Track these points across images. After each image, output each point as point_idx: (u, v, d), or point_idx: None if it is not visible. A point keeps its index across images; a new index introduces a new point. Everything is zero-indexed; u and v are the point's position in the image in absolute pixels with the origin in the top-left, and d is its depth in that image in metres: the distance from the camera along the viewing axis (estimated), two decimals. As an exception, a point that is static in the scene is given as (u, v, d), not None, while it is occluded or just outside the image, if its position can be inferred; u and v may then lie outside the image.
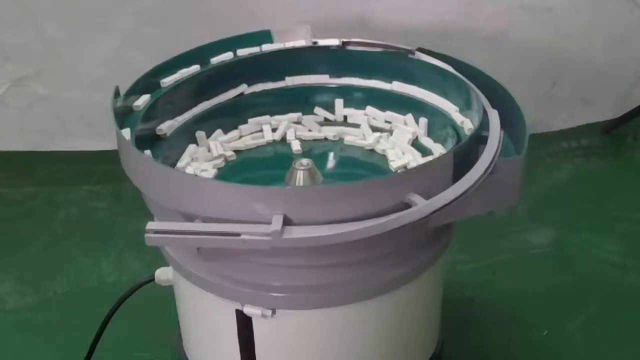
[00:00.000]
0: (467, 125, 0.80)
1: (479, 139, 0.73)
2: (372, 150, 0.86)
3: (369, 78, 0.91)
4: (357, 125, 0.89)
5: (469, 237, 1.17)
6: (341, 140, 0.88)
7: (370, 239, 0.64)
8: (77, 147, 1.46)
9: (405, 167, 0.81)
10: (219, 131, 0.88)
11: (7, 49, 1.36)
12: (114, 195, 1.36)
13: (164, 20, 1.33)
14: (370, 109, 0.90)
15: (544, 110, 1.48)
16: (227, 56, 0.90)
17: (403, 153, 0.84)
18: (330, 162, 0.86)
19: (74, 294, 1.15)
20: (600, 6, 1.39)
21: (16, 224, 1.31)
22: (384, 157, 0.85)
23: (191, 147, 0.84)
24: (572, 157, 1.46)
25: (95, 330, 0.92)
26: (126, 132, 0.75)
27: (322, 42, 0.91)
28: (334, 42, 0.91)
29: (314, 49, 0.91)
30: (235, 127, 0.89)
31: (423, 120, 0.86)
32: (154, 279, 0.86)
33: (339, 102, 0.91)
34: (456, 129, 0.82)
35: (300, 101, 0.91)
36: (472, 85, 0.81)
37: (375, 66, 0.90)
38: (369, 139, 0.86)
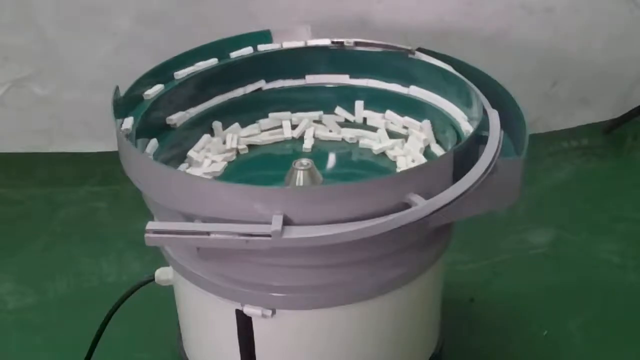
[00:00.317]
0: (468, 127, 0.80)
1: (479, 139, 0.73)
2: (384, 154, 0.85)
3: (389, 81, 0.90)
4: (374, 129, 0.89)
5: (469, 237, 1.17)
6: (357, 142, 0.87)
7: (370, 239, 0.64)
8: (77, 149, 1.46)
9: None
10: (236, 124, 0.88)
11: (7, 49, 1.36)
12: (114, 195, 1.36)
13: (163, 22, 1.33)
14: (389, 113, 0.89)
15: (544, 110, 1.48)
16: (247, 51, 0.90)
17: (413, 161, 0.83)
18: (335, 163, 0.86)
19: (74, 294, 1.15)
20: (600, 6, 1.39)
21: (16, 224, 1.31)
22: (387, 159, 0.85)
23: (205, 137, 0.85)
24: (572, 157, 1.46)
25: (95, 330, 0.92)
26: (129, 121, 0.76)
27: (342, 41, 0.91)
28: (349, 41, 0.91)
29: (334, 48, 0.91)
30: (255, 121, 0.89)
31: (427, 124, 0.85)
32: (154, 279, 0.86)
33: (359, 104, 0.90)
34: (456, 129, 0.82)
35: (321, 100, 0.91)
36: (472, 85, 0.81)
37: (394, 69, 0.89)
38: (384, 144, 0.85)
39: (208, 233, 0.64)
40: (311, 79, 0.92)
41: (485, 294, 1.13)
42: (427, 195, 0.65)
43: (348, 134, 0.88)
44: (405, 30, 1.34)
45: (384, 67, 0.90)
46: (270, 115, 0.90)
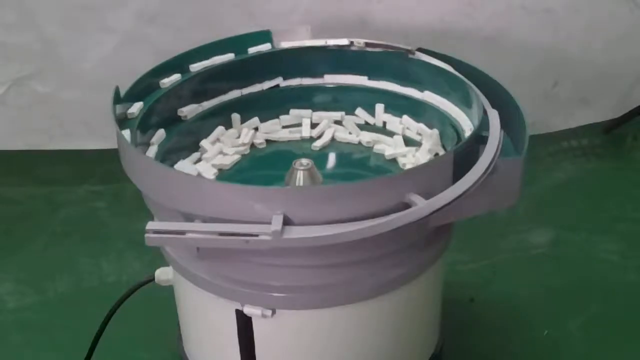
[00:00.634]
0: (467, 125, 0.80)
1: (479, 139, 0.73)
2: (395, 160, 0.85)
3: (405, 85, 0.89)
4: (392, 133, 0.88)
5: (469, 237, 1.17)
6: (372, 147, 0.87)
7: (370, 239, 0.64)
8: (78, 147, 1.46)
9: None
10: (255, 119, 0.89)
11: (8, 48, 1.36)
12: (114, 195, 1.36)
13: (163, 21, 1.33)
14: (406, 119, 0.88)
15: (544, 111, 1.48)
16: (265, 47, 0.91)
17: None
18: (340, 163, 0.86)
19: (74, 294, 1.14)
20: (600, 6, 1.39)
21: (16, 224, 1.31)
22: (382, 157, 0.85)
23: (219, 129, 0.86)
24: (572, 157, 1.46)
25: (95, 330, 0.92)
26: (137, 106, 0.77)
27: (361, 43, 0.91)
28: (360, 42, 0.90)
29: (355, 50, 0.91)
30: (276, 117, 0.90)
31: (435, 133, 0.85)
32: (154, 279, 0.86)
33: (379, 107, 0.89)
34: (457, 129, 0.82)
35: (340, 100, 0.91)
36: (472, 85, 0.81)
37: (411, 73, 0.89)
38: (397, 150, 0.84)
39: (208, 233, 0.64)
40: (330, 79, 0.92)
41: (485, 294, 1.13)
42: (427, 195, 0.65)
43: (366, 137, 0.87)
44: (406, 31, 1.34)
45: (399, 69, 0.90)
46: (292, 112, 0.91)
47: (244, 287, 0.72)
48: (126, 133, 0.75)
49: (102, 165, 1.41)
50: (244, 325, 0.75)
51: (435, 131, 0.84)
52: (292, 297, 0.72)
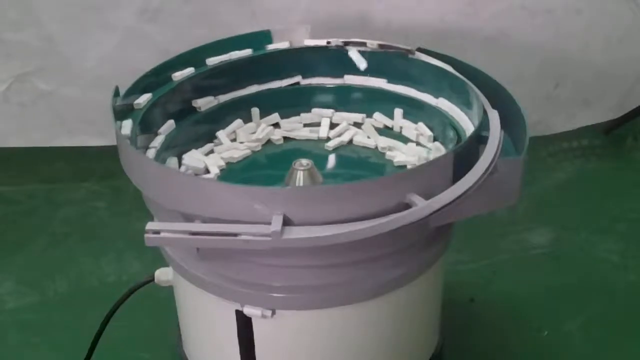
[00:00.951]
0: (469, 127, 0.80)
1: (479, 139, 0.73)
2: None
3: (423, 91, 0.88)
4: (407, 140, 0.87)
5: (469, 237, 1.17)
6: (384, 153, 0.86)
7: (370, 239, 0.64)
8: (79, 143, 1.47)
9: None
10: (276, 114, 0.90)
11: (9, 45, 1.37)
12: (114, 195, 1.36)
13: (164, 19, 1.33)
14: (421, 125, 0.86)
15: (545, 112, 1.48)
16: (283, 45, 0.91)
17: None
18: (343, 164, 0.85)
19: (74, 294, 1.14)
20: (601, 7, 1.39)
21: (16, 224, 1.31)
22: (378, 154, 0.85)
23: (237, 122, 0.87)
24: (572, 157, 1.46)
25: (95, 330, 0.92)
26: (145, 97, 0.79)
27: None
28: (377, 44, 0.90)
29: (378, 52, 0.90)
30: (297, 114, 0.90)
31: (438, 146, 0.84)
32: (153, 279, 0.86)
33: (398, 112, 0.89)
34: (457, 130, 0.82)
35: (359, 101, 0.91)
36: (473, 86, 0.81)
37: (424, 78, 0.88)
38: (408, 158, 0.83)
39: (208, 233, 0.64)
40: (349, 79, 0.91)
41: (485, 294, 1.13)
42: (427, 196, 0.65)
43: (382, 142, 0.86)
44: (406, 30, 1.34)
45: (397, 69, 0.89)
46: (314, 110, 0.91)
47: (244, 288, 0.72)
48: (127, 123, 0.76)
49: (104, 163, 1.41)
50: (244, 325, 0.75)
51: (437, 144, 0.84)
52: (292, 298, 0.72)
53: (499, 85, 0.81)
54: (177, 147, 0.83)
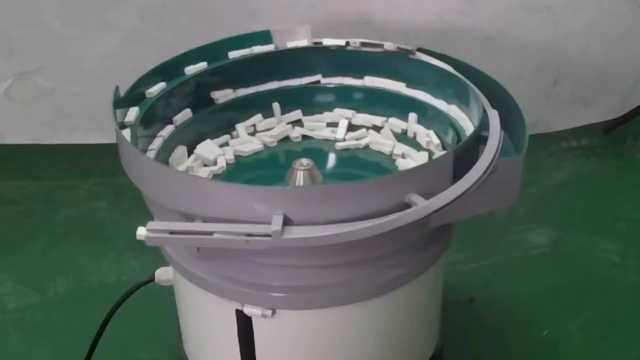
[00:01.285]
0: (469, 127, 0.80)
1: (479, 139, 0.73)
2: None
3: (438, 97, 0.87)
4: (420, 147, 0.86)
5: (469, 237, 1.17)
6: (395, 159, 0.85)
7: (370, 239, 0.64)
8: (81, 141, 1.47)
9: None
10: (298, 111, 0.90)
11: (12, 43, 1.37)
12: (114, 195, 1.36)
13: (165, 17, 1.33)
14: (431, 133, 0.86)
15: (544, 111, 1.48)
16: (302, 42, 0.91)
17: None
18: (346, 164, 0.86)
19: (74, 294, 1.14)
20: (601, 6, 1.39)
21: (16, 224, 1.31)
22: (385, 157, 0.85)
23: (256, 117, 0.89)
24: (572, 157, 1.46)
25: (95, 330, 0.92)
26: (159, 87, 0.80)
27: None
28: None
29: (398, 54, 0.90)
30: (320, 112, 0.91)
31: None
32: (154, 279, 0.86)
33: (412, 117, 0.88)
34: (457, 130, 0.82)
35: (379, 104, 0.90)
36: (472, 86, 0.81)
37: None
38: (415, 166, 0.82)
39: (208, 233, 0.64)
40: (369, 81, 0.91)
41: (485, 294, 1.13)
42: (427, 196, 0.65)
43: (398, 149, 0.85)
44: (405, 29, 1.34)
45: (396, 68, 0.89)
46: (335, 110, 0.91)
47: (244, 287, 0.72)
48: (133, 110, 0.77)
49: (104, 163, 1.41)
50: (244, 325, 0.75)
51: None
52: (292, 297, 0.72)
53: (498, 85, 0.81)
54: (189, 136, 0.84)
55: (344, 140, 0.87)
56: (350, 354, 0.78)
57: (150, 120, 0.80)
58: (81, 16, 1.34)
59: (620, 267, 1.17)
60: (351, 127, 0.90)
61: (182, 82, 0.85)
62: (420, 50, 0.89)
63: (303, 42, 0.91)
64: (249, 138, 0.88)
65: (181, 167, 0.81)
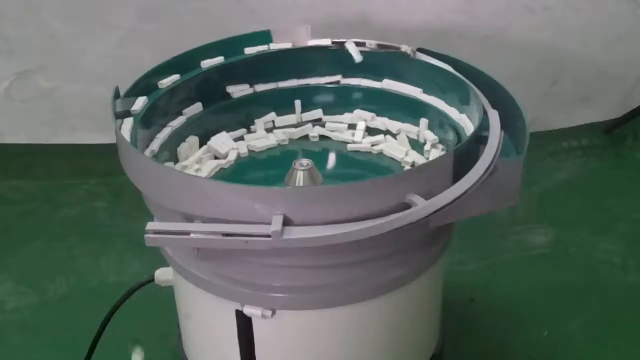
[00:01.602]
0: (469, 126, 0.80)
1: (479, 139, 0.73)
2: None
3: (451, 105, 0.86)
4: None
5: (469, 237, 1.17)
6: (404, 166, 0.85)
7: (370, 239, 0.64)
8: (81, 140, 1.47)
9: None
10: (319, 110, 0.90)
11: (12, 42, 1.38)
12: (114, 195, 1.36)
13: (165, 17, 1.33)
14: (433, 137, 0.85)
15: (544, 110, 1.48)
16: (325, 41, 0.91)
17: None
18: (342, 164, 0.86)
19: (73, 294, 1.15)
20: (601, 5, 1.39)
21: (16, 224, 1.31)
22: (384, 157, 0.85)
23: (272, 115, 0.89)
24: (572, 157, 1.46)
25: (95, 330, 0.92)
26: (171, 79, 0.81)
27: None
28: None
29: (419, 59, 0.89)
30: (341, 113, 0.90)
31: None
32: (153, 279, 0.86)
33: (423, 122, 0.87)
34: (457, 130, 0.82)
35: (397, 108, 0.89)
36: (472, 85, 0.81)
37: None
38: None
39: (208, 233, 0.64)
40: (387, 84, 0.90)
41: (485, 294, 1.13)
42: (427, 196, 0.65)
43: (411, 157, 0.84)
44: (405, 28, 1.34)
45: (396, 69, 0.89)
46: (356, 112, 0.91)
47: (244, 287, 0.72)
48: (140, 99, 0.77)
49: (103, 163, 1.41)
50: (244, 325, 0.75)
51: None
52: (292, 297, 0.72)
53: (498, 85, 0.81)
54: (204, 128, 0.85)
55: (360, 142, 0.87)
56: (350, 354, 0.78)
57: (160, 111, 0.81)
58: (81, 16, 1.34)
59: (620, 267, 1.17)
60: (369, 130, 0.89)
61: (196, 74, 0.85)
62: (420, 50, 0.89)
63: (326, 41, 0.90)
64: (265, 134, 0.88)
65: (190, 158, 0.82)
